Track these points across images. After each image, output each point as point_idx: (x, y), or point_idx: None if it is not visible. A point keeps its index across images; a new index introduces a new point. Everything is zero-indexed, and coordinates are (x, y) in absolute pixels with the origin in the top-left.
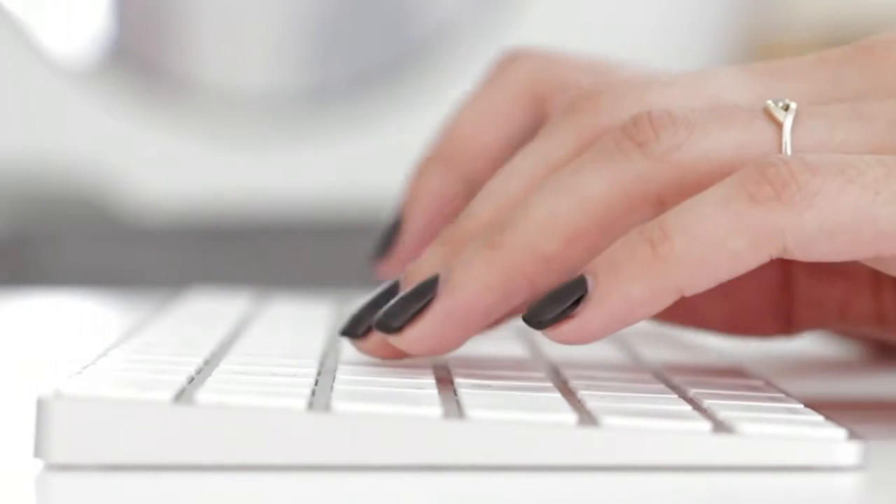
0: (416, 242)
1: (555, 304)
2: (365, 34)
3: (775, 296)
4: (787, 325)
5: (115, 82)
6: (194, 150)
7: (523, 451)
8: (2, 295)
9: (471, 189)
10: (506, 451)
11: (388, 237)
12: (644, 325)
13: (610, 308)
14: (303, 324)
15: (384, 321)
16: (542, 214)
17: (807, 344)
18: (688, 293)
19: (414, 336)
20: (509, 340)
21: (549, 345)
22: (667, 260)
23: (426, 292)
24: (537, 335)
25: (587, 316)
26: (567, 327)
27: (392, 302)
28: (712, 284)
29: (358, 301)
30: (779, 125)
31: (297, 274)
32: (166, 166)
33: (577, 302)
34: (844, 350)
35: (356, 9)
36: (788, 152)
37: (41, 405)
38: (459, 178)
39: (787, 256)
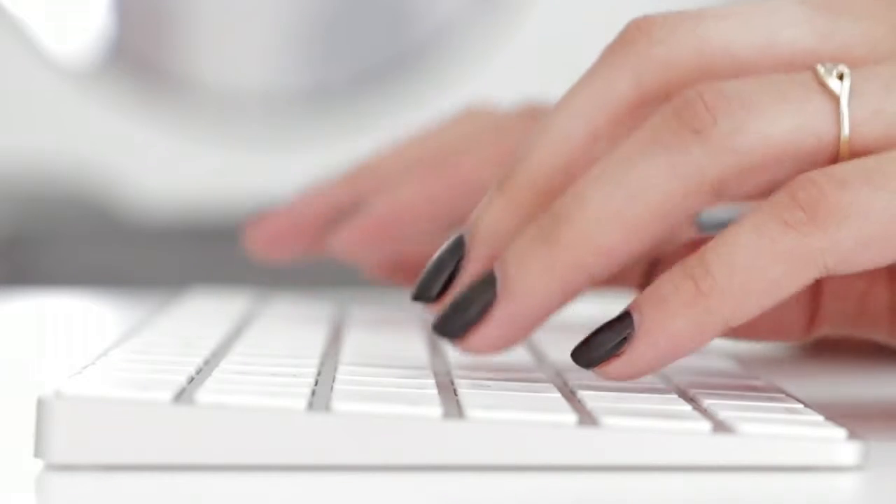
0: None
1: (603, 343)
2: (365, 34)
3: (807, 292)
4: (809, 324)
5: (115, 82)
6: (194, 150)
7: (523, 451)
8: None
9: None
10: (506, 451)
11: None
12: None
13: (657, 345)
14: (303, 324)
15: (444, 328)
16: (599, 208)
17: (804, 344)
18: (734, 324)
19: (478, 342)
20: None
21: (549, 345)
22: (710, 295)
23: (483, 295)
24: (536, 336)
25: (635, 353)
26: (616, 365)
27: (448, 307)
28: (757, 313)
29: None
30: (835, 99)
31: (296, 274)
32: (166, 166)
33: (625, 339)
34: (776, 348)
35: (356, 9)
36: (846, 129)
37: (41, 405)
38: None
39: (831, 274)
